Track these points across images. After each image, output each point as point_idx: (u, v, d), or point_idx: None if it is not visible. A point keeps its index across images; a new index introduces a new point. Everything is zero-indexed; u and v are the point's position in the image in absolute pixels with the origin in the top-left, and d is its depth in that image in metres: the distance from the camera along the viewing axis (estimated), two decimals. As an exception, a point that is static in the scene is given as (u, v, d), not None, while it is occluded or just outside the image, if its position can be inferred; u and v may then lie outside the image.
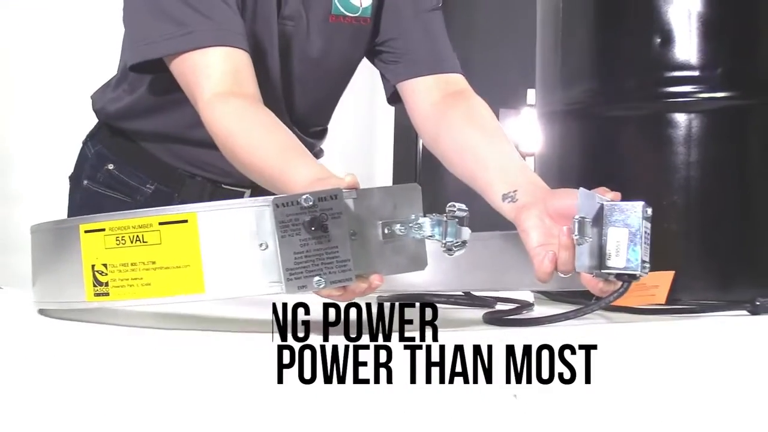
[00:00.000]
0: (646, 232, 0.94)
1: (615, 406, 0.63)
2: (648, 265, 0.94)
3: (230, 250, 0.83)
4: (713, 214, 1.34)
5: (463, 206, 0.89)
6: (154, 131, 1.38)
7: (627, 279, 0.94)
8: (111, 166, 1.40)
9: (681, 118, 1.36)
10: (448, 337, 0.78)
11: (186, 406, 0.59)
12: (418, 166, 3.60)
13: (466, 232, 0.88)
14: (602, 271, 0.94)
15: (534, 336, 0.86)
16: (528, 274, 0.98)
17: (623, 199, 0.97)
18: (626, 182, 1.40)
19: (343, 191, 0.83)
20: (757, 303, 1.14)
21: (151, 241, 0.84)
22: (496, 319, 1.00)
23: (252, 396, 0.61)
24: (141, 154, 1.39)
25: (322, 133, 1.46)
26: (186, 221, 0.84)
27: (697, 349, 0.89)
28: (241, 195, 1.38)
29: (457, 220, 0.87)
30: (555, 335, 0.88)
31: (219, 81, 1.13)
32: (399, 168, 3.53)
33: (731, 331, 1.00)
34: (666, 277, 1.25)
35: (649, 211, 0.95)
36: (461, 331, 0.96)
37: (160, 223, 0.84)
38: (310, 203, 0.80)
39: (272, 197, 0.81)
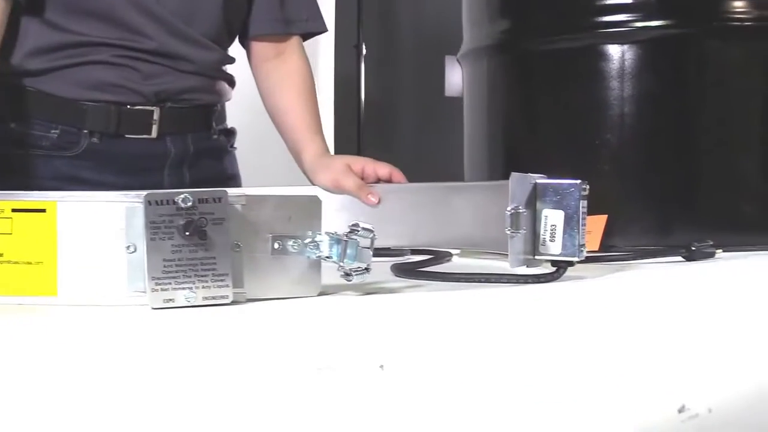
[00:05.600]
0: (582, 212, 0.83)
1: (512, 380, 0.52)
2: (584, 248, 0.85)
3: (92, 250, 0.72)
4: (649, 153, 1.24)
5: (369, 227, 0.77)
6: (39, 67, 1.27)
7: (563, 265, 0.84)
8: (13, 125, 1.28)
9: (614, 49, 1.25)
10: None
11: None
12: (361, 118, 3.48)
13: (367, 256, 0.76)
14: (536, 257, 0.85)
15: (431, 297, 0.76)
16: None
17: (552, 173, 0.87)
18: (556, 120, 1.30)
19: (231, 195, 0.72)
20: (693, 248, 1.04)
21: (1, 230, 0.72)
22: (404, 271, 0.90)
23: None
24: (35, 98, 1.27)
25: (217, 58, 1.34)
26: (44, 210, 0.72)
27: (621, 303, 0.79)
28: (150, 115, 1.28)
29: (358, 242, 0.76)
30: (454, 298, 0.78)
31: None
32: (341, 120, 3.40)
33: (662, 281, 0.90)
34: (598, 222, 1.15)
35: (586, 188, 0.84)
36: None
37: (14, 210, 0.72)
38: (189, 204, 0.69)
39: (146, 192, 0.70)
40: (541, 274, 0.83)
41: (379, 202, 1.17)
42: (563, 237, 0.82)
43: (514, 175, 0.84)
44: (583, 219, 0.83)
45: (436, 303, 0.76)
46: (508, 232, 0.82)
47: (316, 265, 0.76)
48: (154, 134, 1.28)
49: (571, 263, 0.83)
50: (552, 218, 0.83)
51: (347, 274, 0.75)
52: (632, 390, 0.59)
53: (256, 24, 1.37)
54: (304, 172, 1.29)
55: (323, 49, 3.37)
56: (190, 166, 1.33)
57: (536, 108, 1.33)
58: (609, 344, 0.61)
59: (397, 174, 1.19)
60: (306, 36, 1.43)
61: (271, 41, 1.38)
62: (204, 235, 0.69)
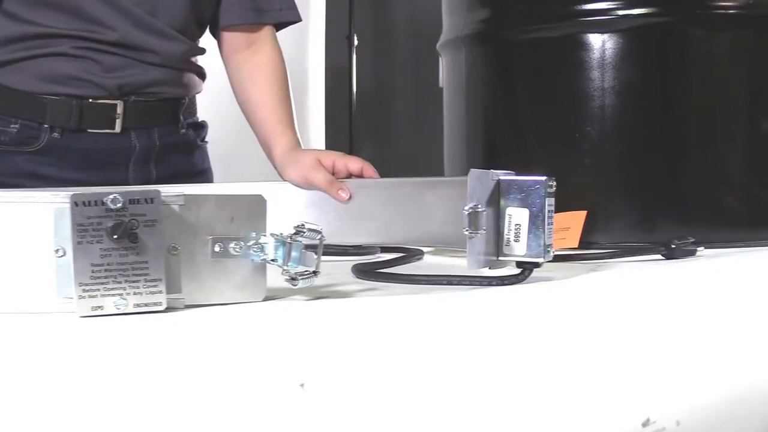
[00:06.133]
0: (549, 211, 0.79)
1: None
2: (551, 249, 0.80)
3: (21, 253, 0.67)
4: (631, 146, 1.19)
5: (317, 227, 0.72)
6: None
7: (529, 267, 0.79)
8: None
9: (595, 39, 1.20)
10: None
11: None
12: (353, 110, 3.43)
13: (310, 260, 0.71)
14: (500, 259, 0.80)
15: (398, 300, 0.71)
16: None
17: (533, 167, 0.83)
18: (536, 113, 1.26)
19: (165, 194, 0.67)
20: (673, 246, 1.00)
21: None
22: (364, 272, 0.85)
23: None
24: None
25: (184, 49, 1.29)
26: (-31, 212, 0.67)
27: (588, 307, 0.74)
28: (113, 109, 1.23)
29: (302, 244, 0.71)
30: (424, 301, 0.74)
31: None
32: (332, 113, 3.35)
33: (634, 282, 0.85)
34: (577, 218, 1.11)
35: (553, 185, 0.80)
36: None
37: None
38: (119, 205, 0.65)
39: (73, 192, 0.65)
40: (505, 276, 0.79)
41: (350, 198, 1.12)
42: (528, 237, 0.78)
43: (473, 171, 0.80)
44: (550, 217, 0.79)
45: (387, 308, 0.71)
46: (467, 233, 0.77)
47: (260, 268, 0.71)
48: (117, 129, 1.24)
49: (537, 264, 0.79)
50: (516, 217, 0.78)
51: (292, 279, 0.71)
52: (594, 402, 0.55)
53: (227, 14, 1.33)
54: (275, 168, 1.25)
55: (313, 40, 3.32)
56: (156, 162, 1.29)
57: (516, 100, 1.28)
58: (571, 352, 0.57)
59: (369, 169, 1.15)
60: (279, 26, 1.38)
61: (243, 31, 1.34)
62: (135, 238, 0.65)
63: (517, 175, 0.81)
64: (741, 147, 1.20)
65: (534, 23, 1.25)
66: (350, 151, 3.48)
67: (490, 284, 0.78)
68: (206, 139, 1.40)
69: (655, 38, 1.20)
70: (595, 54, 1.20)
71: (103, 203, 0.64)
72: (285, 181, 1.21)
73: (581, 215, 1.11)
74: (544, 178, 0.79)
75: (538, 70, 1.25)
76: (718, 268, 0.91)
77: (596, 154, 1.20)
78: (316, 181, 1.14)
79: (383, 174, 1.19)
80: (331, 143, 3.36)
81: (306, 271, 0.71)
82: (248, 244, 0.70)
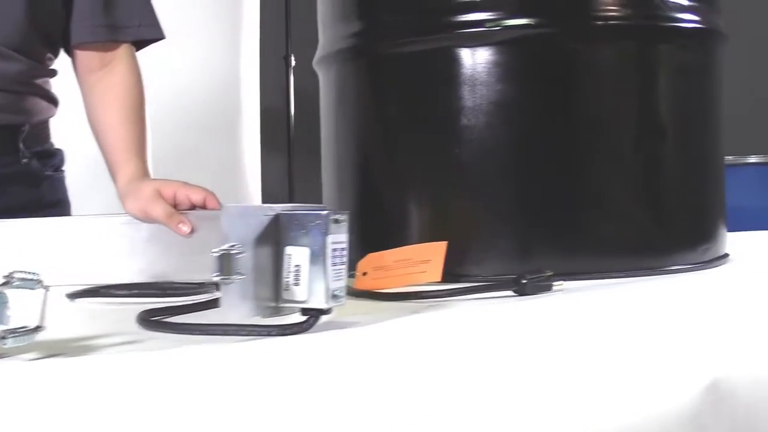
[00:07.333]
0: (337, 249, 0.68)
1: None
2: (343, 293, 0.69)
3: None
4: (503, 168, 1.09)
5: (32, 275, 0.61)
6: None
7: (314, 314, 0.69)
8: None
9: (470, 52, 1.10)
10: None
11: None
12: (291, 131, 3.33)
13: (4, 317, 0.60)
14: (279, 305, 0.70)
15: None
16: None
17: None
18: (409, 133, 1.15)
19: None
20: (524, 281, 0.89)
21: None
22: (143, 321, 0.74)
23: None
24: None
25: (21, 70, 1.17)
26: None
27: (382, 359, 0.63)
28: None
29: (6, 297, 0.60)
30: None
31: None
32: (269, 134, 3.25)
33: (457, 327, 0.74)
34: (437, 250, 1.01)
35: (341, 218, 0.69)
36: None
37: None
38: None
39: None
40: (288, 325, 0.68)
41: (191, 231, 1.02)
42: (309, 280, 0.67)
43: (229, 207, 0.69)
44: (337, 257, 0.68)
45: (116, 368, 0.60)
46: (217, 279, 0.67)
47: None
48: None
49: (322, 311, 0.68)
50: (296, 257, 0.68)
51: (2, 338, 0.60)
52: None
53: (77, 31, 1.22)
54: (119, 198, 1.14)
55: (247, 60, 3.21)
56: (-5, 193, 1.18)
57: (388, 119, 1.18)
58: (359, 413, 0.47)
59: (212, 199, 1.05)
60: (140, 44, 1.28)
61: (96, 50, 1.23)
62: None
63: (301, 208, 0.70)
64: (624, 169, 1.10)
65: (407, 36, 1.15)
66: (289, 171, 3.37)
67: (269, 334, 0.67)
68: (62, 168, 1.29)
69: (532, 51, 1.10)
70: (468, 69, 1.10)
71: None
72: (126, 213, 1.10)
73: (442, 246, 1.01)
74: (325, 211, 0.68)
75: (411, 87, 1.15)
76: (567, 306, 0.81)
77: (470, 178, 1.10)
78: (154, 213, 1.03)
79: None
80: (268, 165, 3.26)
81: (22, 327, 0.60)
82: None
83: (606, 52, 1.11)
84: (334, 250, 0.67)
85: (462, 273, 1.06)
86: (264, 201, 3.12)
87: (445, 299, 0.87)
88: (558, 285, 0.90)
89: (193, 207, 1.05)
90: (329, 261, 0.67)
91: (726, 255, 1.16)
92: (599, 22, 1.11)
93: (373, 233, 1.15)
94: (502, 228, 1.09)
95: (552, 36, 1.10)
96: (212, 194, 1.05)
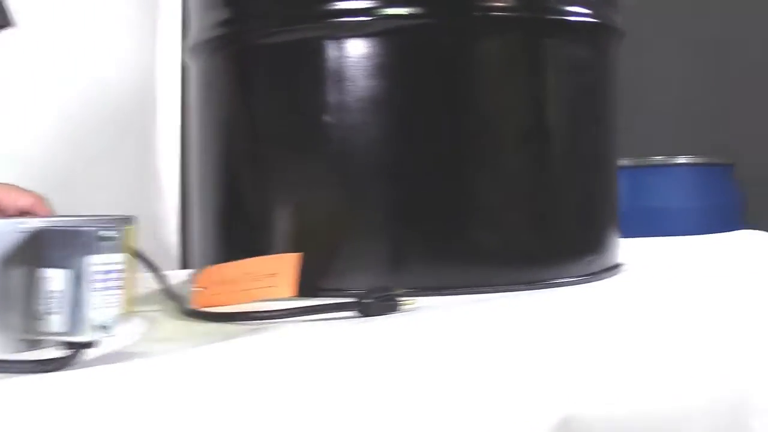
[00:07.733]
0: (104, 271, 0.59)
1: None
2: (113, 322, 0.59)
3: None
4: (371, 170, 1.00)
5: None
6: None
7: (78, 347, 0.59)
8: None
9: (343, 43, 1.01)
10: None
11: None
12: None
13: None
14: (33, 337, 0.60)
15: None
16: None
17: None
18: (267, 129, 1.06)
19: None
20: (368, 300, 0.80)
21: None
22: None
23: None
24: None
25: None
26: None
27: (167, 397, 0.54)
28: None
29: None
30: None
31: None
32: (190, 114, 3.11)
33: (265, 356, 0.65)
34: (286, 263, 0.91)
35: (110, 235, 0.59)
36: None
37: None
38: None
39: None
40: (47, 360, 0.58)
41: None
42: (68, 308, 0.57)
43: None
44: (103, 280, 0.58)
45: None
46: None
47: None
48: None
49: (87, 344, 0.58)
50: (54, 281, 0.58)
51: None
52: None
53: None
54: None
55: (166, 50, 3.07)
56: None
57: (254, 116, 1.08)
58: None
59: (42, 205, 0.94)
60: None
61: None
62: None
63: (65, 224, 0.60)
64: (505, 172, 1.01)
65: (275, 26, 1.06)
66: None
67: (21, 371, 0.57)
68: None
69: (407, 45, 1.01)
70: (333, 62, 1.00)
71: None
72: None
73: (292, 258, 0.91)
74: (89, 227, 0.58)
75: (277, 81, 1.05)
76: (410, 329, 0.72)
77: (335, 180, 1.01)
78: None
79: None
80: (188, 168, 3.13)
81: None
82: None
83: (488, 46, 1.03)
84: (103, 272, 0.57)
85: (323, 287, 0.97)
86: (182, 210, 2.98)
87: (276, 321, 0.77)
88: (410, 303, 0.81)
89: (21, 213, 0.95)
90: (90, 284, 0.57)
91: (617, 266, 1.09)
92: (480, 13, 1.03)
93: (237, 237, 1.06)
94: (368, 236, 0.99)
95: (428, 27, 1.01)
96: (43, 199, 0.95)
